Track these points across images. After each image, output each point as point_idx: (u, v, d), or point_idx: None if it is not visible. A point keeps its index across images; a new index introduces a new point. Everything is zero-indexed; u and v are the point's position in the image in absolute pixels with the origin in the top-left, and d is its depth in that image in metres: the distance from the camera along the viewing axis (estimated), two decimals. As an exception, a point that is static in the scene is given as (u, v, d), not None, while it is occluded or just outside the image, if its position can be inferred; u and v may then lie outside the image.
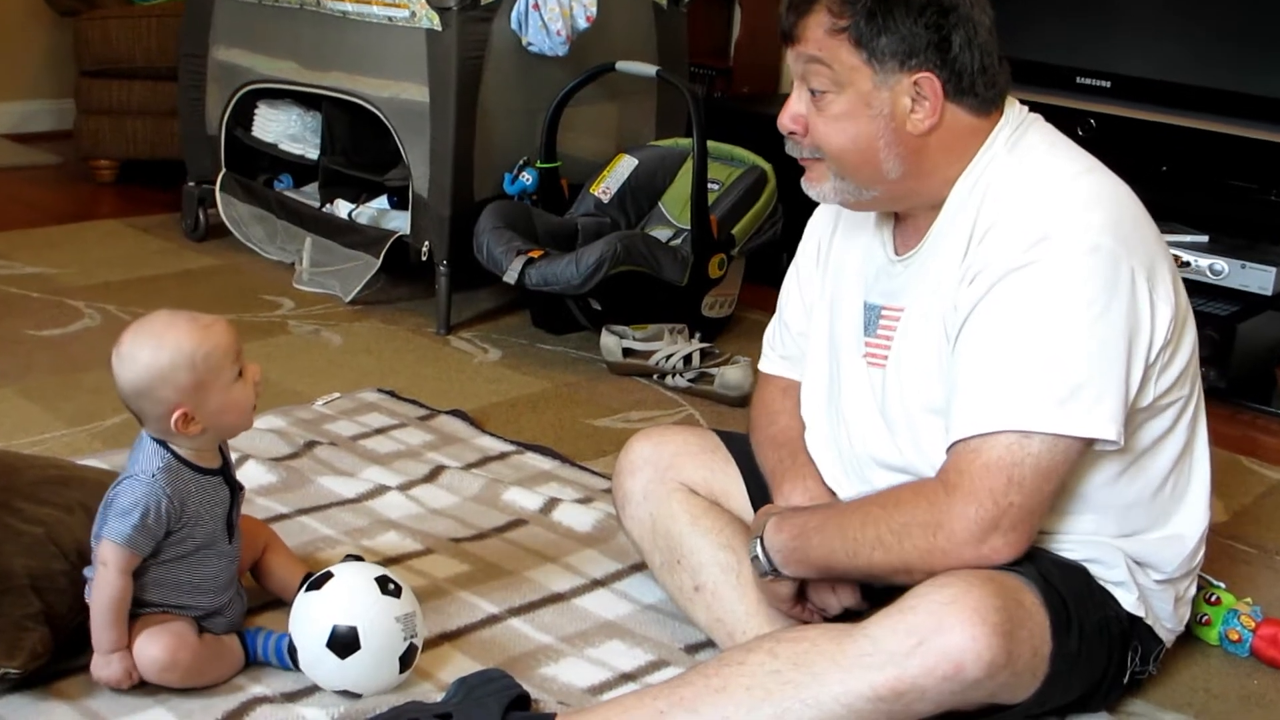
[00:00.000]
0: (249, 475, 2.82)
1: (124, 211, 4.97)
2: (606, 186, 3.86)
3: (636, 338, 3.53)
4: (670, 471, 2.29)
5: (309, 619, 2.08)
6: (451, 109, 3.66)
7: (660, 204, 3.88)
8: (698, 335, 3.66)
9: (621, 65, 3.79)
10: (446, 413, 3.24)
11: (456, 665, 2.19)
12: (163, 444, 2.04)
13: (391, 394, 3.35)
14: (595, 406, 3.37)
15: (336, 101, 4.06)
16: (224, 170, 4.38)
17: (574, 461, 3.03)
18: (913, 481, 1.96)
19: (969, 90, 1.90)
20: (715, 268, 3.64)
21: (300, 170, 4.37)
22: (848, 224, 2.13)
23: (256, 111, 4.38)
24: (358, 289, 3.95)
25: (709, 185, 3.74)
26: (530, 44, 3.71)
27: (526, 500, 2.80)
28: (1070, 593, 1.90)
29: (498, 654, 2.25)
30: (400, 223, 3.92)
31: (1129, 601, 1.98)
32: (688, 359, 3.47)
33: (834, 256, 2.17)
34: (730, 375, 3.37)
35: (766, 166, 3.78)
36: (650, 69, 3.78)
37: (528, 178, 3.79)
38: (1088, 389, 1.80)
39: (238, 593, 2.20)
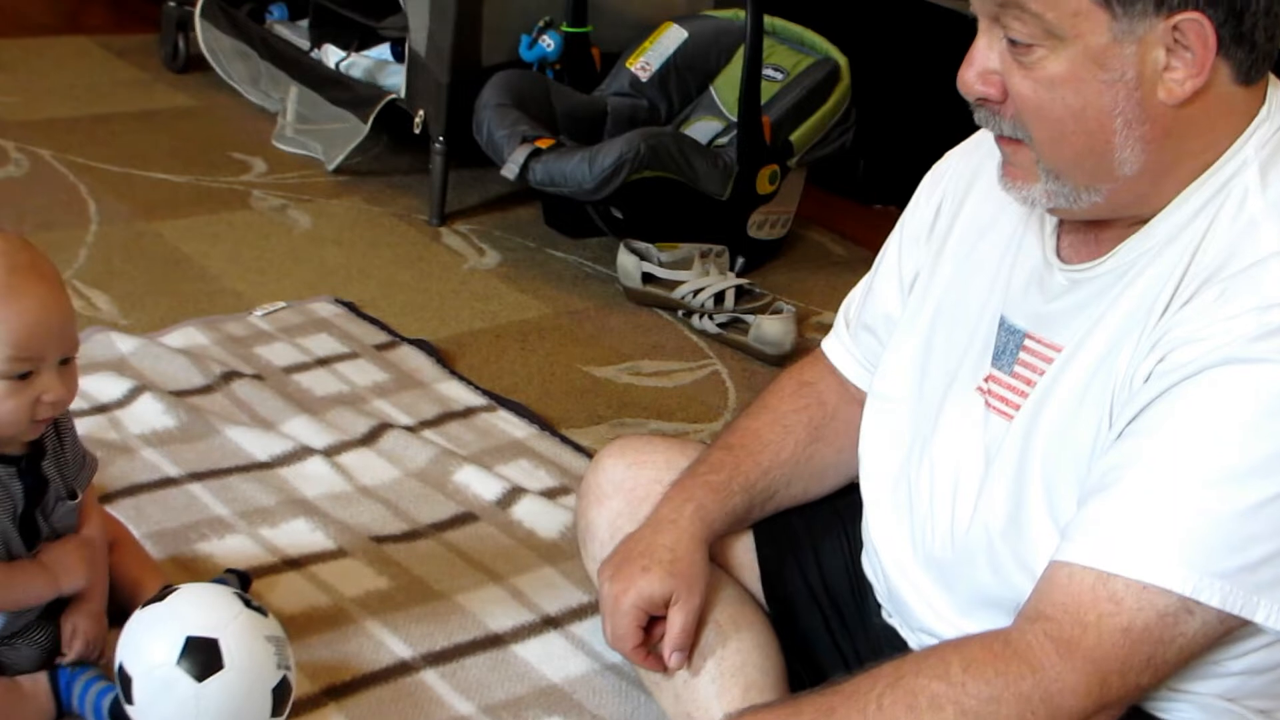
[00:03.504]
0: (140, 414, 2.30)
1: (107, 25, 4.36)
2: (646, 61, 3.20)
3: (662, 260, 2.88)
4: (646, 505, 1.73)
5: (149, 633, 1.60)
6: (458, -52, 3.05)
7: (711, 89, 3.23)
8: (740, 262, 3.02)
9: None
10: (411, 342, 2.64)
11: (337, 739, 1.73)
12: None
13: (350, 307, 2.75)
14: (600, 348, 2.75)
15: (336, -78, 3.40)
16: (207, -10, 3.72)
17: (556, 429, 2.44)
18: (985, 634, 1.36)
19: (1247, 36, 1.29)
20: (765, 182, 2.98)
21: (298, 4, 3.70)
22: (990, 191, 1.50)
23: (249, -80, 3.73)
24: (341, 157, 3.34)
25: (772, 73, 3.08)
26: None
27: (482, 486, 2.24)
28: None
29: (395, 725, 1.75)
30: (400, 80, 3.25)
31: None
32: (719, 297, 2.81)
33: (960, 233, 1.56)
34: (768, 328, 2.72)
35: (841, 60, 3.11)
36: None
37: (549, 43, 3.17)
38: None
39: (49, 616, 1.69)
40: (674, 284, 2.86)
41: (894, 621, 1.60)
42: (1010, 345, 1.45)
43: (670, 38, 3.23)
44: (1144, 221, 1.36)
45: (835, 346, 1.74)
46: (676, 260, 2.88)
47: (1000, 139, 1.38)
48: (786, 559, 1.73)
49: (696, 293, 2.82)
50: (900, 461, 1.56)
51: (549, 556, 2.08)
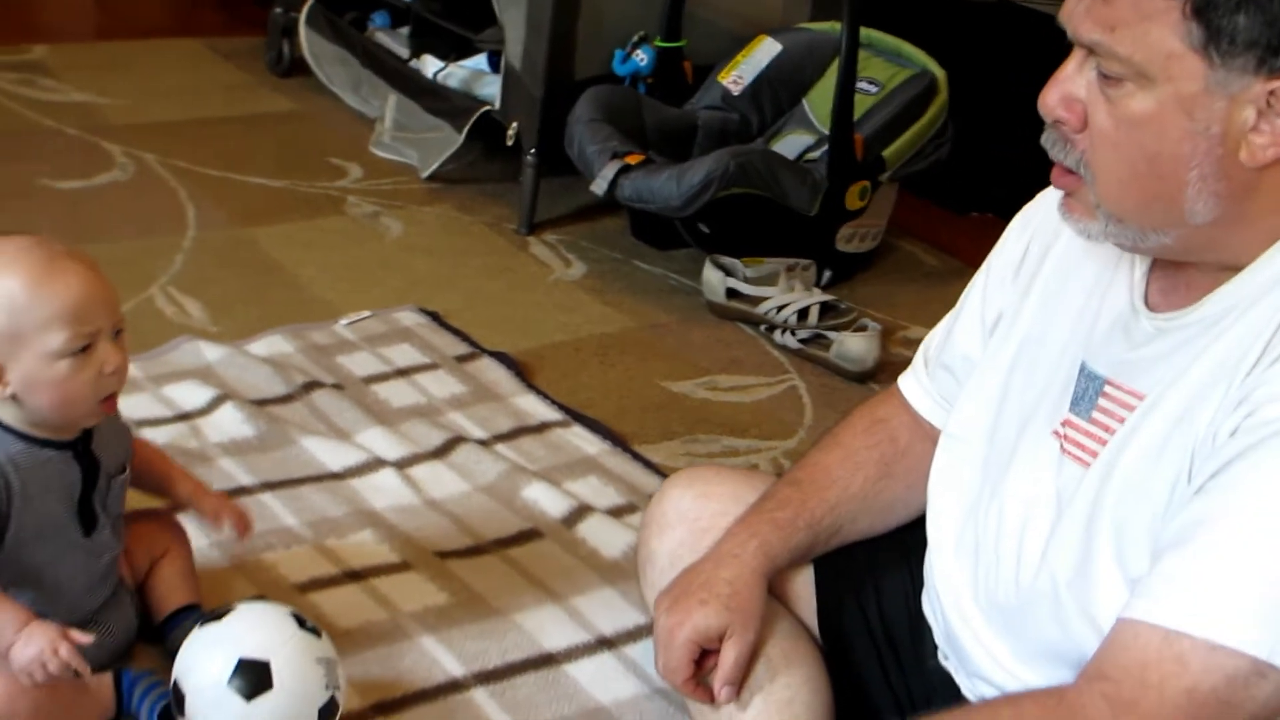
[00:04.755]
0: (220, 423, 2.33)
1: (216, 28, 4.41)
2: (739, 75, 3.17)
3: (747, 276, 2.87)
4: (709, 537, 1.70)
5: (204, 653, 1.65)
6: (554, -37, 3.04)
7: (804, 102, 3.19)
8: (827, 275, 2.99)
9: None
10: (491, 354, 2.64)
11: (385, 753, 1.74)
12: None
13: (434, 317, 2.77)
14: (679, 362, 2.74)
15: (439, -67, 3.43)
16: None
17: (628, 446, 2.43)
18: (1042, 690, 1.33)
19: None
20: (855, 198, 2.94)
21: (400, 12, 3.74)
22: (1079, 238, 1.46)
23: (354, -70, 3.77)
24: (436, 165, 3.37)
25: (867, 87, 3.04)
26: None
27: (550, 503, 2.23)
28: None
29: (440, 743, 1.77)
30: (495, 90, 3.27)
31: None
32: (803, 313, 2.79)
33: (1047, 276, 1.52)
34: (851, 345, 2.69)
35: (939, 73, 3.05)
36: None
37: (643, 57, 3.15)
38: None
39: (116, 603, 1.76)
40: (758, 299, 2.84)
41: (949, 665, 1.56)
42: (1090, 391, 1.41)
43: (764, 51, 3.19)
44: (1236, 267, 1.30)
45: (911, 383, 1.71)
46: (762, 276, 2.86)
47: (1059, 170, 1.34)
48: (845, 594, 1.70)
49: (780, 308, 2.80)
50: (970, 503, 1.52)
51: (609, 576, 2.07)
